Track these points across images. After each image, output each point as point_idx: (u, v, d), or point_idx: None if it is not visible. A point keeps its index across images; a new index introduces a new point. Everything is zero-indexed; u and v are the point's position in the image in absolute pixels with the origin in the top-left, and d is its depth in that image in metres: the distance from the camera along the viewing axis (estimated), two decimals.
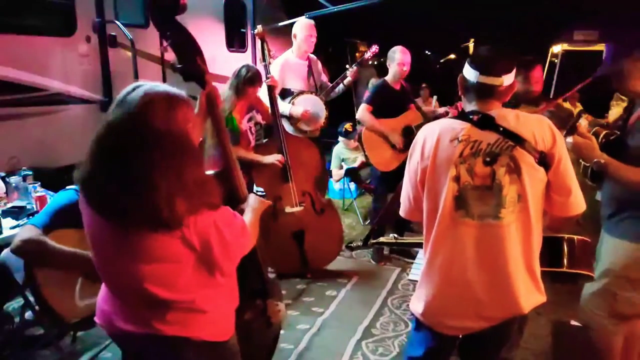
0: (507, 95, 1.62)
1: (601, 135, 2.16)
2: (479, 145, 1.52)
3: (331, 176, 5.64)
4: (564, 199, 1.53)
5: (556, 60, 10.30)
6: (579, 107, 2.59)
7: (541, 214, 1.56)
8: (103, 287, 1.50)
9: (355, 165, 5.37)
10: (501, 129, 1.51)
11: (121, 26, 4.17)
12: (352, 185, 5.53)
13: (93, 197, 1.33)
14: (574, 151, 2.01)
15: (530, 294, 1.55)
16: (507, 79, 1.56)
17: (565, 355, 2.53)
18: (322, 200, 3.75)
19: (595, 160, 1.97)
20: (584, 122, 2.24)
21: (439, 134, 1.57)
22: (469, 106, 1.62)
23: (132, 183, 1.26)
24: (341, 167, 5.55)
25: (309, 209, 3.63)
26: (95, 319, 1.51)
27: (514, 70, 1.58)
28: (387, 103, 3.85)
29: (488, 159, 1.51)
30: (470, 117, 1.57)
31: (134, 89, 1.32)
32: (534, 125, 1.52)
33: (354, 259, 4.10)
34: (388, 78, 3.90)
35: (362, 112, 3.85)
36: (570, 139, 2.08)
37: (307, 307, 3.27)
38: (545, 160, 1.49)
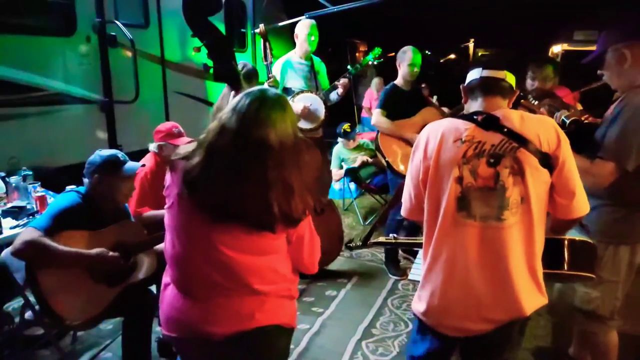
0: (512, 96, 1.62)
1: (569, 120, 2.11)
2: (483, 146, 1.50)
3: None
4: (568, 201, 1.50)
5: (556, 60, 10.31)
6: (579, 107, 2.58)
7: (544, 216, 1.53)
8: (178, 301, 1.47)
9: (355, 165, 5.37)
10: (505, 129, 1.49)
11: (121, 26, 4.16)
12: (352, 185, 5.52)
13: (209, 203, 1.35)
14: None
15: (532, 296, 1.52)
16: (509, 76, 1.58)
17: (565, 355, 2.53)
18: (321, 200, 3.73)
19: None
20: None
21: (442, 133, 1.56)
22: (474, 106, 1.61)
23: (253, 187, 1.31)
24: (341, 167, 5.54)
25: None
26: (170, 332, 1.49)
27: (514, 77, 1.59)
28: (399, 106, 3.69)
29: (492, 160, 1.48)
30: (475, 117, 1.55)
31: (248, 98, 1.36)
32: (539, 126, 1.50)
33: (354, 259, 4.10)
34: (398, 80, 3.75)
35: (376, 116, 3.70)
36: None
37: (307, 307, 3.26)
38: (549, 162, 1.47)
